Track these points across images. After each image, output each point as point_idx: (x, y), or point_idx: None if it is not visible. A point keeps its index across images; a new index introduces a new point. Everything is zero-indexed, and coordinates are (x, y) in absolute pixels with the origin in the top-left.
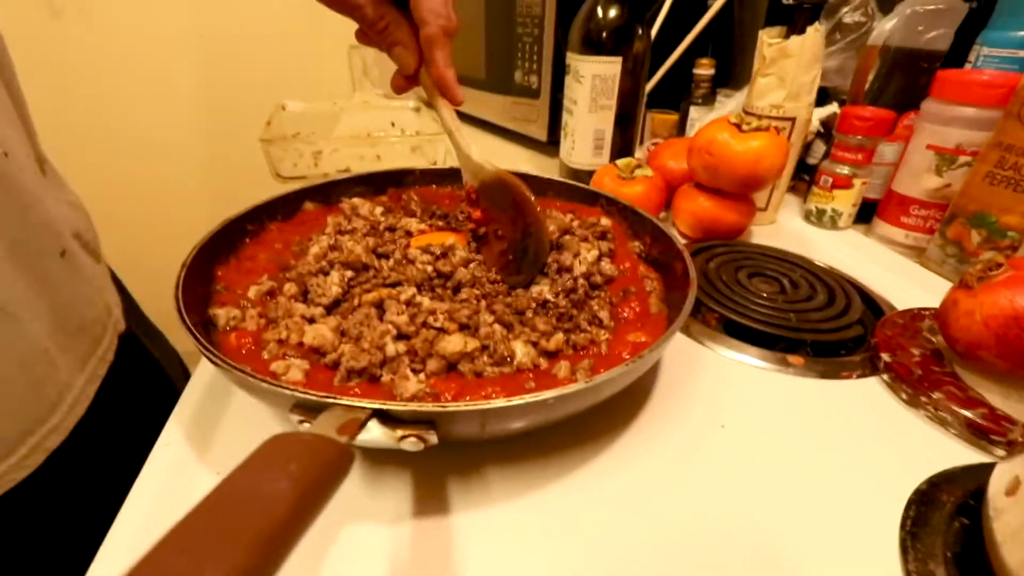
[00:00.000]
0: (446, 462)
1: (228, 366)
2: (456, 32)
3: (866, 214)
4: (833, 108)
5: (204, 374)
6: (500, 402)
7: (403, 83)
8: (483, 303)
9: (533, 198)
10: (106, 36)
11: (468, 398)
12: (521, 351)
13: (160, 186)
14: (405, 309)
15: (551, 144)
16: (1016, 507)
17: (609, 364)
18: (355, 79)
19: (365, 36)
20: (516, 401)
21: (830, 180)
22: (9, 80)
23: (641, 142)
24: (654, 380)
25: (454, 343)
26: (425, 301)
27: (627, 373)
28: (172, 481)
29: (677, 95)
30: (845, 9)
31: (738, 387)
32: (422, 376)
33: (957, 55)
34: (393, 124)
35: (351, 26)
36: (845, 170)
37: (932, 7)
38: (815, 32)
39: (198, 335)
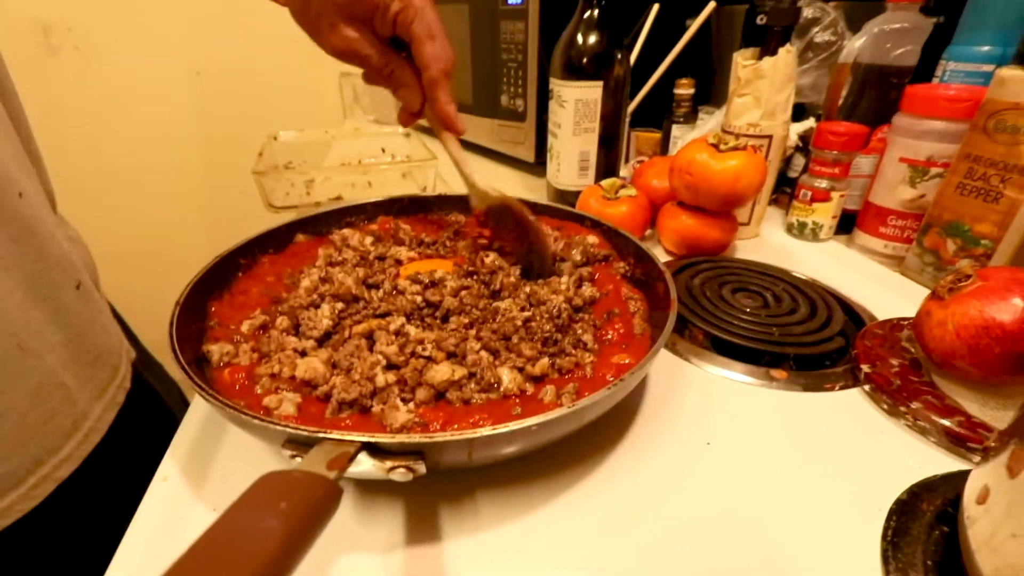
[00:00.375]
0: (437, 490)
1: (221, 403)
2: (453, 69)
3: (847, 224)
4: (810, 123)
5: (199, 408)
6: (486, 431)
7: (409, 118)
8: (471, 331)
9: (534, 218)
10: (103, 73)
11: (456, 426)
12: (507, 377)
13: (156, 219)
14: (394, 339)
15: (539, 165)
16: (986, 515)
17: (594, 387)
18: (346, 106)
19: (372, 78)
20: (501, 429)
21: (809, 194)
22: (18, 121)
23: (626, 160)
24: (641, 398)
25: (442, 372)
26: (412, 330)
27: (609, 396)
28: (169, 516)
29: (659, 113)
30: (816, 29)
31: (724, 403)
32: (411, 405)
33: (925, 70)
34: (384, 150)
35: None
36: (823, 184)
37: (898, 25)
38: (787, 53)
39: (192, 373)
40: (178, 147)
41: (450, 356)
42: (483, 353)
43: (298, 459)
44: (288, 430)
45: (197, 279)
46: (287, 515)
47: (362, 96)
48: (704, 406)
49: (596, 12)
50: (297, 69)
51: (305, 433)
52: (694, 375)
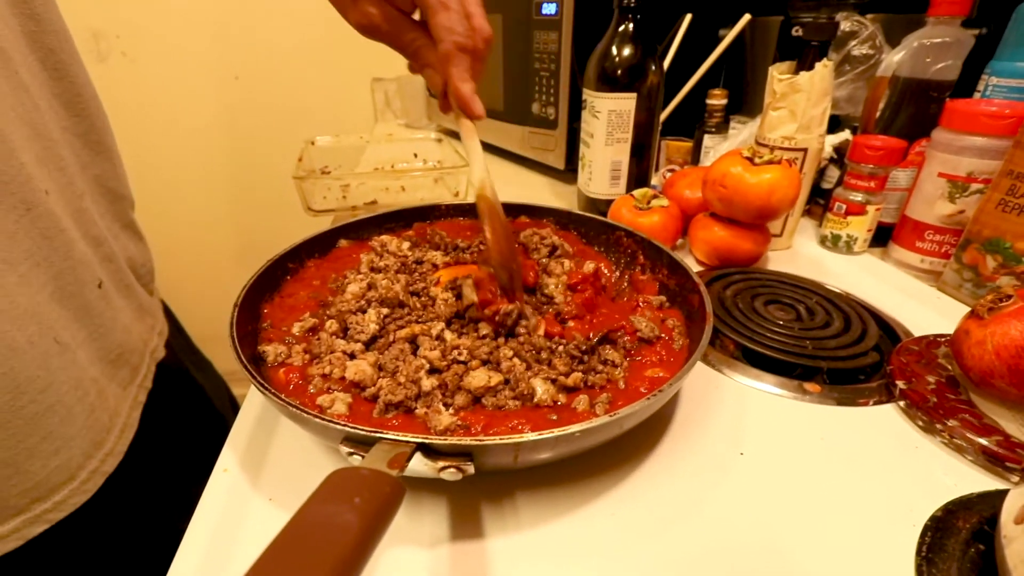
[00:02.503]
0: (479, 489)
1: (284, 403)
2: (478, 48)
3: (882, 237)
4: (846, 135)
5: (253, 403)
6: (532, 435)
7: (444, 104)
8: (501, 340)
9: (495, 221)
10: (148, 78)
11: (496, 430)
12: (541, 388)
13: (193, 218)
14: (436, 344)
15: (569, 171)
16: None
17: (627, 398)
18: (378, 110)
19: (411, 64)
20: (546, 434)
21: (844, 207)
22: (88, 128)
23: (657, 169)
24: (674, 408)
25: (479, 378)
26: (449, 336)
27: (648, 407)
28: (230, 505)
29: (691, 122)
30: (853, 42)
31: (756, 414)
32: (452, 409)
33: (966, 84)
34: (416, 155)
35: (374, 60)
36: (859, 197)
37: (939, 40)
38: (824, 68)
39: (254, 373)
40: (217, 148)
41: (484, 363)
42: (516, 361)
43: (356, 456)
44: (347, 429)
45: (252, 282)
46: (362, 510)
47: (393, 100)
48: (737, 417)
49: (631, 25)
50: (330, 74)
51: (363, 432)
52: (726, 386)
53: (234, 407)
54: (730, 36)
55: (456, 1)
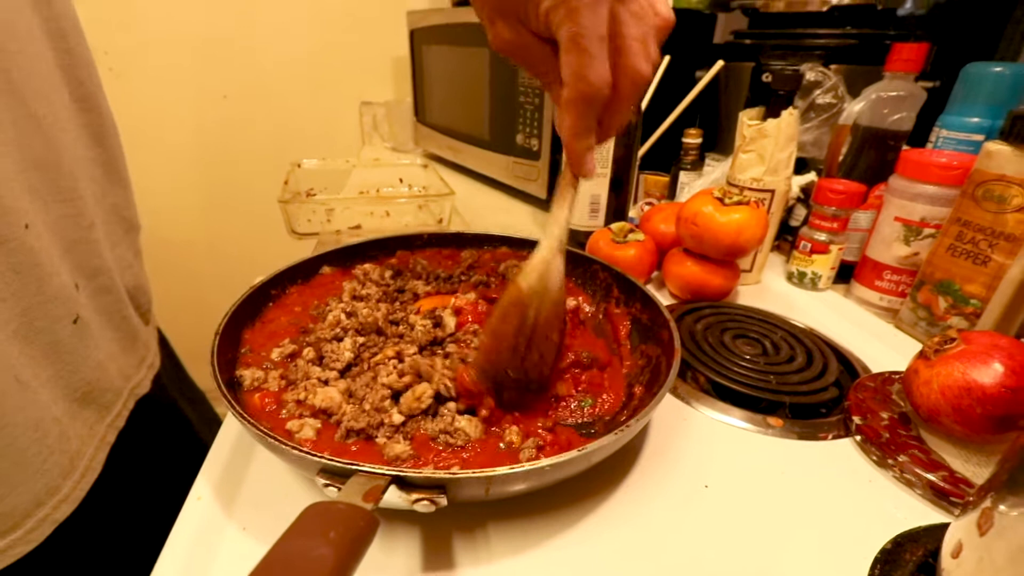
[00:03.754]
0: (452, 520)
1: (263, 433)
2: (612, 100)
3: (846, 274)
4: (812, 176)
5: (230, 429)
6: (503, 469)
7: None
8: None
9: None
10: (137, 94)
11: (457, 464)
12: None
13: (179, 237)
14: (394, 368)
15: (550, 201)
16: (959, 569)
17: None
18: (365, 133)
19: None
20: (517, 468)
21: (809, 245)
22: (109, 157)
23: (635, 202)
24: (644, 440)
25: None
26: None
27: (616, 441)
28: (203, 534)
29: (668, 158)
30: (818, 91)
31: (722, 447)
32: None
33: (920, 133)
34: (401, 180)
35: (363, 83)
36: (822, 237)
37: (894, 93)
38: (790, 115)
39: (234, 403)
40: (203, 167)
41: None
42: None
43: (331, 488)
44: (324, 460)
45: (233, 310)
46: (337, 543)
47: (381, 124)
48: (703, 450)
49: None
50: (319, 96)
51: (340, 464)
52: (694, 418)
53: None
54: (705, 79)
55: (593, 42)
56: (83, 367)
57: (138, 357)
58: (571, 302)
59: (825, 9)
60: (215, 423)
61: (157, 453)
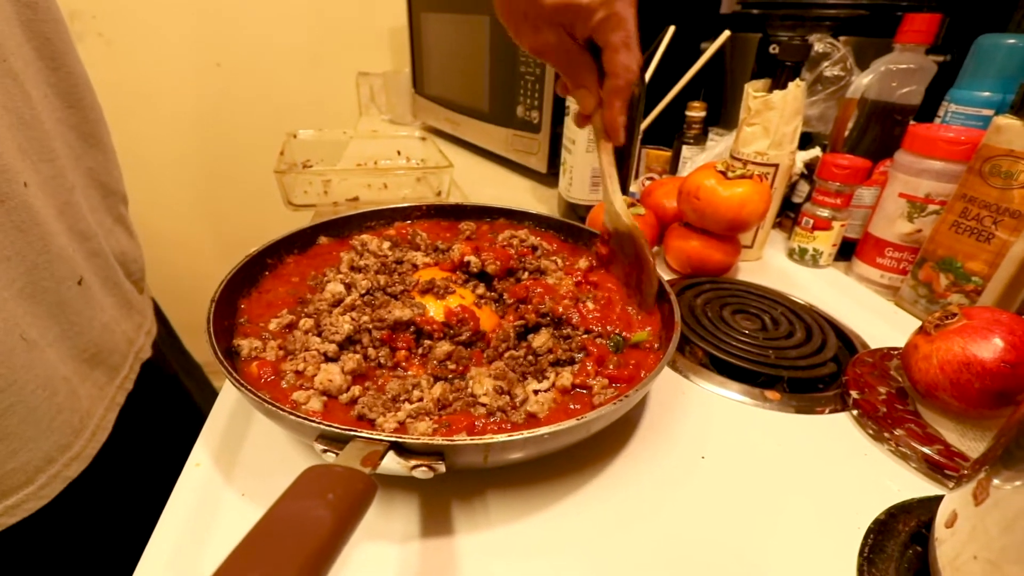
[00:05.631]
0: (451, 487)
1: (260, 400)
2: (634, 83)
3: (847, 251)
4: (816, 152)
5: (228, 398)
6: (502, 436)
7: (582, 121)
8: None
9: (651, 255)
10: (126, 61)
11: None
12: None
13: (171, 207)
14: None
15: (550, 175)
16: (953, 538)
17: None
18: (362, 104)
19: (563, 88)
20: (516, 436)
21: (811, 221)
22: (82, 119)
23: (636, 176)
24: (642, 412)
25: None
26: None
27: (615, 411)
28: (202, 500)
29: (671, 132)
30: (826, 64)
31: (719, 420)
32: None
33: (929, 108)
34: (399, 152)
35: (360, 54)
36: (825, 213)
37: (904, 66)
38: (796, 88)
39: (230, 369)
40: (196, 136)
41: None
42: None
43: (330, 454)
44: (322, 426)
45: (229, 278)
46: (335, 506)
47: (378, 95)
48: (701, 422)
49: None
50: (316, 66)
51: (337, 430)
52: (692, 391)
53: None
54: (710, 51)
55: (634, 41)
56: (89, 329)
57: (135, 323)
58: (583, 262)
59: None
60: (212, 396)
61: (160, 419)
